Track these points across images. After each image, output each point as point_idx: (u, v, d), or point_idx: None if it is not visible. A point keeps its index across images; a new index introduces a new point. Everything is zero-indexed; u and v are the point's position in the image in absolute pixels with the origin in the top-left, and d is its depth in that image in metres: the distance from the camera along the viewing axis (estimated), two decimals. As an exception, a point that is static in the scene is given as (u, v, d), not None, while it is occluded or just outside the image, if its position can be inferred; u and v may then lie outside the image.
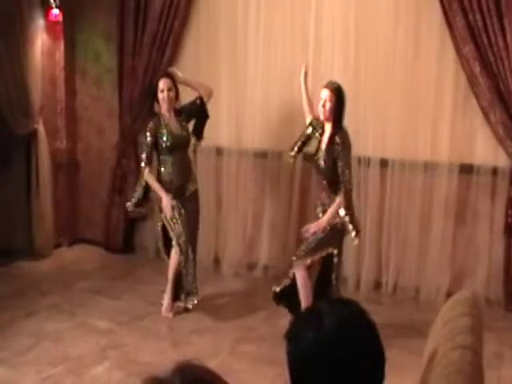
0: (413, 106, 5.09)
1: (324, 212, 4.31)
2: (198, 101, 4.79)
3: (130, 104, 5.91)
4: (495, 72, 4.71)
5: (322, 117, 4.27)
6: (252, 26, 5.50)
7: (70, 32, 6.19)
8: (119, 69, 5.95)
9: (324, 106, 4.20)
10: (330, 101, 4.18)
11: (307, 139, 4.49)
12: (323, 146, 4.29)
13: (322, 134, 4.35)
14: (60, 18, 6.03)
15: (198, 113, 4.82)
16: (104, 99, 6.26)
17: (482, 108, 4.80)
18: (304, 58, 5.26)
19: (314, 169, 4.57)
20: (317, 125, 4.41)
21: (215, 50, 5.63)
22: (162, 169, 4.71)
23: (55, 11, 5.96)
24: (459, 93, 4.95)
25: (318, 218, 4.33)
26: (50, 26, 6.04)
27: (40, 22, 5.86)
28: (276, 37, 5.44)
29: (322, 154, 4.28)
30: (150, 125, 4.66)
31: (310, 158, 4.50)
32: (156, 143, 4.66)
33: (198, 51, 5.72)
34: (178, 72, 4.91)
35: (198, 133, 4.89)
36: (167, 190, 4.65)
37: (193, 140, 4.90)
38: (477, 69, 4.72)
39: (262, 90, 5.54)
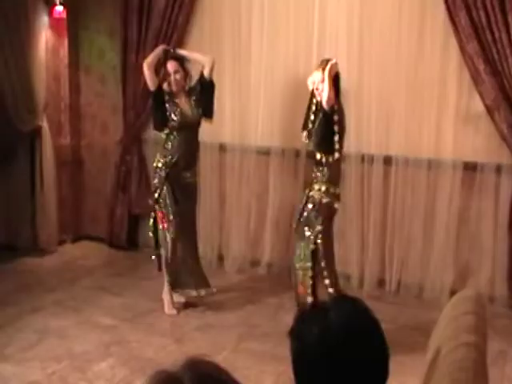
0: (416, 104, 5.08)
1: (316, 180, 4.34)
2: (200, 74, 4.74)
3: (134, 100, 5.91)
4: (499, 69, 4.70)
5: (318, 98, 4.28)
6: (256, 22, 5.50)
7: (73, 29, 6.20)
8: (123, 65, 5.96)
9: (317, 88, 4.23)
10: (323, 83, 4.20)
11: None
12: (317, 122, 4.33)
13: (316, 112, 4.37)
14: (64, 15, 6.03)
15: (204, 87, 4.74)
16: (108, 96, 6.26)
17: (486, 106, 4.79)
18: (307, 56, 5.28)
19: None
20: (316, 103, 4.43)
21: (219, 47, 5.62)
22: (167, 145, 4.68)
23: (59, 8, 5.97)
24: (463, 90, 4.95)
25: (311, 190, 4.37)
26: (54, 23, 6.04)
27: (44, 20, 5.88)
28: (280, 34, 5.43)
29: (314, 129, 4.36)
30: None
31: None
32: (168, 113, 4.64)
33: (202, 47, 5.70)
34: (177, 50, 4.92)
35: (207, 110, 4.77)
36: (166, 167, 4.65)
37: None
38: (481, 66, 4.71)
39: (265, 86, 5.53)
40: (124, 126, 6.04)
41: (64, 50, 6.19)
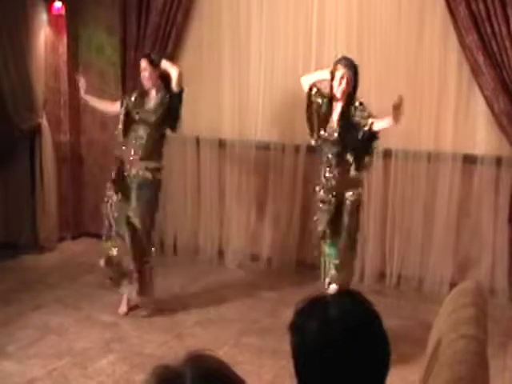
0: (416, 97, 5.07)
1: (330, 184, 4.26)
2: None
3: (133, 97, 5.90)
4: (499, 61, 4.70)
5: (338, 95, 4.17)
6: (255, 16, 5.49)
7: (72, 25, 6.18)
8: (122, 62, 5.94)
9: (341, 84, 4.14)
10: (346, 79, 4.13)
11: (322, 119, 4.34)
12: (334, 120, 4.21)
13: (330, 109, 4.25)
14: (63, 12, 6.02)
15: (172, 97, 4.59)
16: (107, 92, 6.24)
17: (485, 98, 4.79)
18: (306, 51, 5.27)
19: (322, 144, 4.34)
20: (325, 103, 4.29)
21: (218, 42, 5.62)
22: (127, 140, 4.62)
23: (58, 5, 5.96)
24: (463, 83, 4.95)
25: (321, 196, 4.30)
26: (53, 20, 6.03)
27: (43, 16, 5.86)
28: (278, 29, 5.42)
29: (333, 128, 4.21)
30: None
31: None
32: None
33: (201, 43, 5.71)
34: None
35: (172, 122, 4.64)
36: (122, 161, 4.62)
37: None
38: (480, 58, 4.71)
39: (264, 81, 5.53)
40: (123, 122, 6.02)
41: (63, 47, 6.18)
